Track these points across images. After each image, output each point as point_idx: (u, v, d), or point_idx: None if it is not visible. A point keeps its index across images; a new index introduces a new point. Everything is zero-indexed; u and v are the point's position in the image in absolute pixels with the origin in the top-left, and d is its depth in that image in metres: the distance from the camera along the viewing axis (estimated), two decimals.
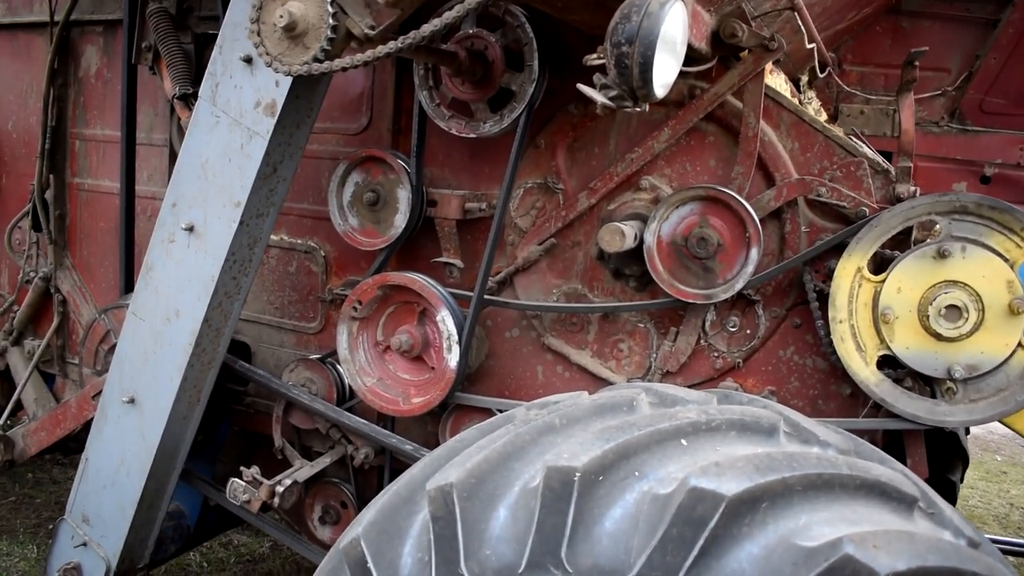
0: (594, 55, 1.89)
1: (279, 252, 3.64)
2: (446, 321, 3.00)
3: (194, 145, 2.96)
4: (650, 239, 2.75)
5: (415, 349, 3.11)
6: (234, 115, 2.85)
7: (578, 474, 1.77)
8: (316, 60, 1.95)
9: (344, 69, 1.94)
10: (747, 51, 2.68)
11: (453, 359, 3.00)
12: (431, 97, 2.94)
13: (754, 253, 2.66)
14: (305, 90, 2.85)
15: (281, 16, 1.92)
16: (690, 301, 2.77)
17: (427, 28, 1.81)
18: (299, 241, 3.60)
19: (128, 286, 3.85)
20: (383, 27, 1.95)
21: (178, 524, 3.89)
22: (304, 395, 3.37)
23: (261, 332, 3.76)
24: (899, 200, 2.64)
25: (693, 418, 1.92)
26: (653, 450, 1.87)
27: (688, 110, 2.77)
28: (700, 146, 2.87)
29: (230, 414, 3.84)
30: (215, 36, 3.62)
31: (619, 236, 2.64)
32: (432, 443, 3.34)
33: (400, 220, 3.11)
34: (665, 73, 1.84)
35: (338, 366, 3.52)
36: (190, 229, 2.99)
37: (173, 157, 3.83)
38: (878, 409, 2.74)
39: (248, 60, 2.77)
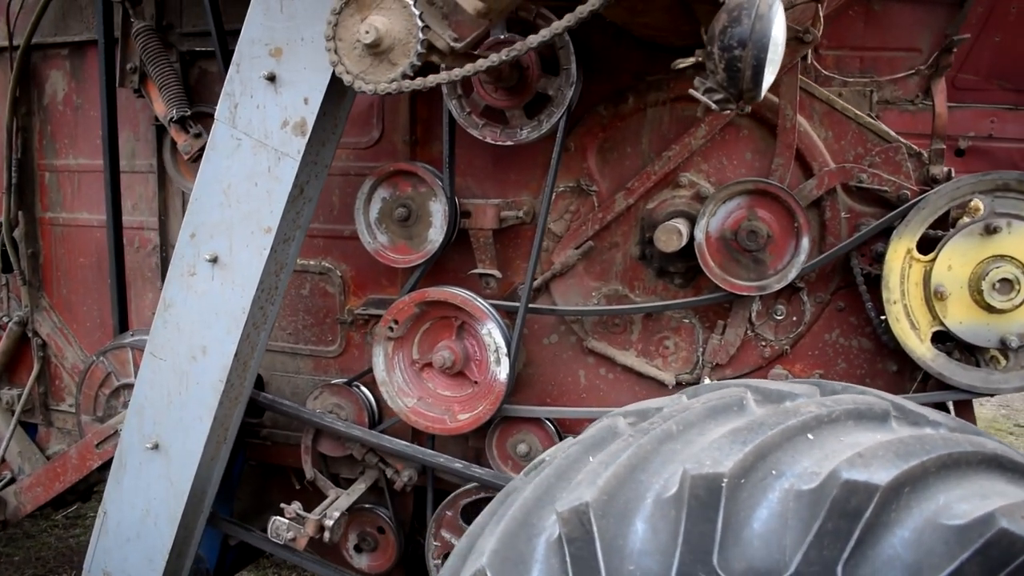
0: (690, 59, 1.87)
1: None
2: (492, 334, 2.93)
3: (213, 170, 2.80)
4: (700, 235, 2.75)
5: (457, 365, 3.04)
6: (258, 136, 2.72)
7: (725, 480, 1.76)
8: (405, 77, 1.86)
9: (438, 85, 1.86)
10: None
11: (503, 371, 2.94)
12: (461, 106, 2.87)
13: (805, 242, 2.70)
14: (331, 106, 2.73)
15: (367, 32, 1.82)
16: (744, 294, 2.79)
17: (534, 39, 1.75)
18: (312, 262, 3.46)
19: (123, 324, 3.62)
20: (468, 40, 1.88)
21: (197, 569, 3.68)
22: (339, 422, 3.24)
23: (274, 360, 3.60)
24: (935, 181, 2.73)
25: (815, 412, 1.94)
26: (784, 447, 1.87)
27: None
28: (735, 140, 2.90)
29: (246, 448, 3.66)
30: (201, 53, 3.51)
31: (676, 236, 2.64)
32: (475, 458, 3.28)
33: (434, 234, 3.02)
34: (772, 74, 1.84)
35: (364, 389, 3.41)
36: (214, 260, 2.83)
37: (162, 183, 3.63)
38: (924, 383, 2.83)
39: (272, 78, 2.64)
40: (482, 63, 1.81)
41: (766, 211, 2.75)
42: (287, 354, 3.60)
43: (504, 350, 2.93)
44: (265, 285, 2.86)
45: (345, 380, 3.39)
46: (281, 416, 3.49)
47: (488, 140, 2.85)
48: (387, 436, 3.21)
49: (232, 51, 3.14)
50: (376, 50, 1.85)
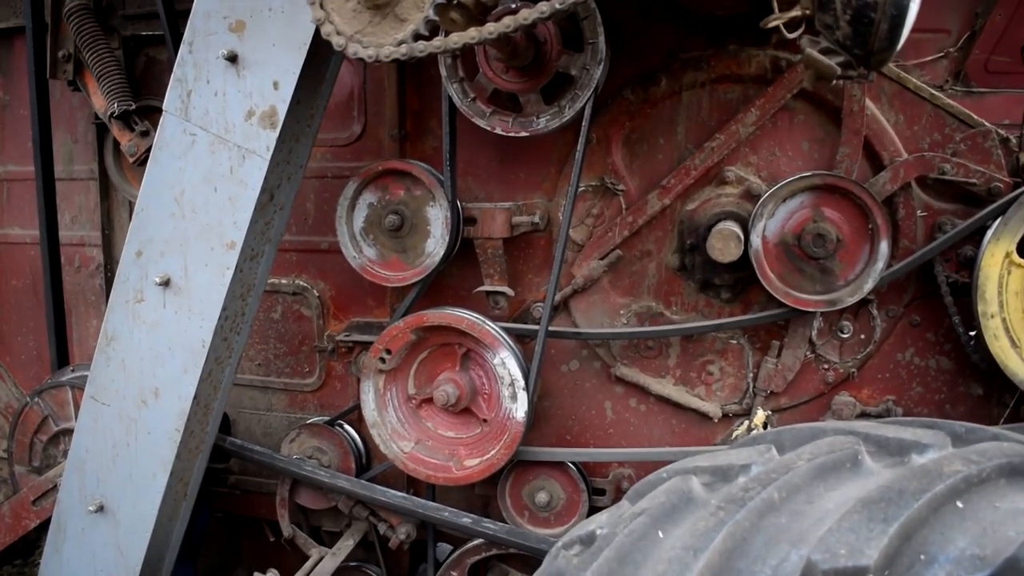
0: (791, 12, 1.42)
1: None
2: (507, 364, 2.45)
3: (162, 174, 2.30)
4: (756, 241, 2.30)
5: (462, 401, 2.55)
6: (216, 131, 2.22)
7: (871, 574, 1.30)
8: (419, 37, 1.37)
9: (465, 47, 1.37)
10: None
11: (520, 408, 2.46)
12: (464, 91, 2.39)
13: (883, 247, 2.26)
14: (307, 92, 2.25)
15: None
16: (810, 310, 2.35)
17: None
18: (284, 281, 2.96)
19: (62, 358, 3.07)
20: None
21: None
22: (321, 471, 2.73)
23: (241, 395, 3.09)
24: None
25: (962, 471, 1.48)
26: (931, 522, 1.42)
27: (779, 86, 2.34)
28: (788, 127, 2.45)
29: (211, 498, 3.13)
30: (148, 38, 2.98)
31: (735, 242, 2.19)
32: (482, 508, 2.81)
33: (433, 246, 2.53)
34: (907, 30, 1.39)
35: (349, 428, 2.92)
36: (165, 283, 2.33)
37: (105, 192, 3.10)
38: (1016, 409, 2.41)
39: (232, 58, 2.15)
40: (527, 15, 1.32)
41: (834, 211, 2.31)
42: (256, 388, 3.09)
43: (521, 383, 2.45)
44: (229, 312, 2.36)
45: (327, 419, 2.88)
46: (241, 460, 2.97)
47: (498, 131, 2.37)
48: (379, 487, 2.71)
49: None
50: (375, 2, 1.36)
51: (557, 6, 1.28)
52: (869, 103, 2.39)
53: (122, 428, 2.45)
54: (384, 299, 2.87)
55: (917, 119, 2.40)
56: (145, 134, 2.75)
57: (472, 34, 1.36)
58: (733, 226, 2.26)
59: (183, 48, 2.20)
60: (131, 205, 3.09)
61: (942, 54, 4.22)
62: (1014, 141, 2.36)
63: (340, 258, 2.83)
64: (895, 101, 2.41)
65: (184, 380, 2.36)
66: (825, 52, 1.38)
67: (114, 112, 2.71)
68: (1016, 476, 1.53)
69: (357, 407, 2.85)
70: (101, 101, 2.76)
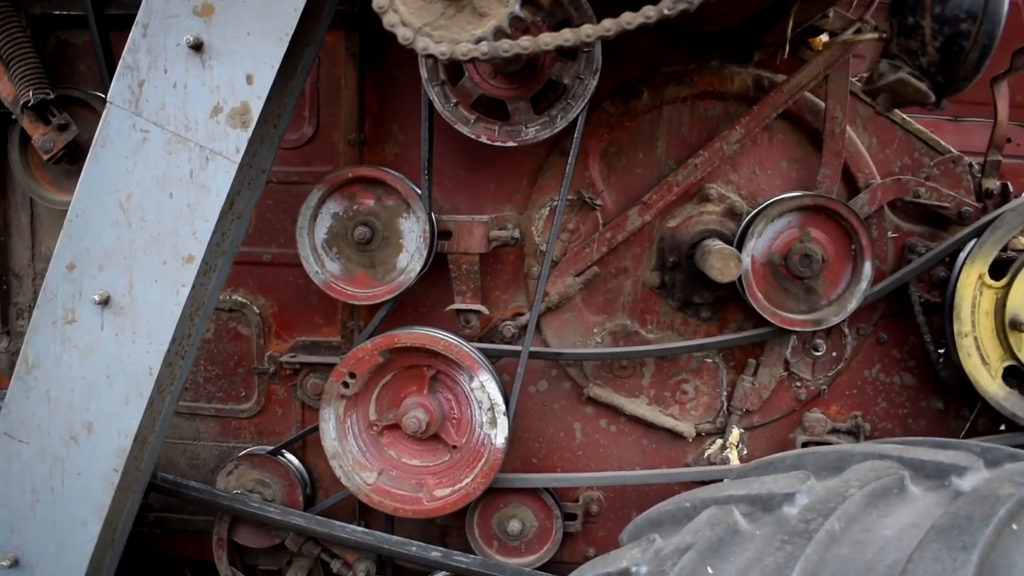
0: (869, 34, 1.38)
1: None
2: (487, 387, 2.30)
3: (104, 175, 2.00)
4: (746, 260, 2.28)
5: (432, 427, 2.37)
6: (175, 128, 1.96)
7: None
8: (500, 34, 1.21)
9: (558, 49, 1.22)
10: (828, 36, 2.30)
11: (500, 434, 2.32)
12: (445, 95, 2.22)
13: (867, 267, 2.29)
14: (277, 88, 2.02)
15: None
16: (798, 329, 2.34)
17: None
18: (219, 296, 2.66)
19: None
20: None
21: None
22: (271, 508, 2.47)
23: None
24: (988, 196, 2.42)
25: (1015, 493, 1.49)
26: (996, 547, 1.41)
27: (764, 104, 2.33)
28: (768, 146, 2.45)
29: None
30: (61, 19, 2.63)
31: (735, 263, 2.14)
32: (440, 537, 2.64)
33: (406, 260, 2.34)
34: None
35: (292, 457, 2.67)
36: (105, 302, 2.02)
37: (2, 191, 2.70)
38: (975, 422, 2.52)
39: (197, 46, 1.90)
40: (630, 19, 1.19)
41: (820, 231, 2.32)
42: (182, 415, 2.77)
43: (502, 407, 2.31)
44: (177, 333, 2.08)
45: (270, 448, 2.62)
46: (176, 498, 2.65)
47: (483, 140, 2.23)
48: (337, 522, 2.48)
49: (108, 18, 2.38)
50: None
51: (665, 11, 1.17)
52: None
53: (45, 469, 2.11)
54: (334, 316, 2.65)
55: (889, 143, 2.46)
56: (64, 128, 2.40)
57: (567, 35, 1.22)
58: (727, 246, 2.22)
59: (135, 31, 1.92)
60: (33, 205, 2.71)
61: None
62: (976, 167, 2.46)
63: (284, 272, 2.62)
64: (869, 124, 2.45)
65: (125, 413, 2.06)
66: (913, 75, 1.34)
67: (28, 102, 2.35)
68: None
69: (305, 435, 2.62)
70: (9, 88, 2.38)
